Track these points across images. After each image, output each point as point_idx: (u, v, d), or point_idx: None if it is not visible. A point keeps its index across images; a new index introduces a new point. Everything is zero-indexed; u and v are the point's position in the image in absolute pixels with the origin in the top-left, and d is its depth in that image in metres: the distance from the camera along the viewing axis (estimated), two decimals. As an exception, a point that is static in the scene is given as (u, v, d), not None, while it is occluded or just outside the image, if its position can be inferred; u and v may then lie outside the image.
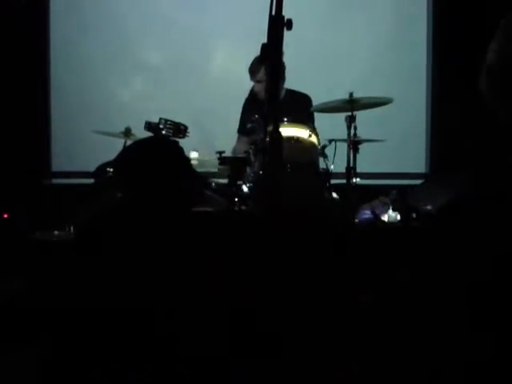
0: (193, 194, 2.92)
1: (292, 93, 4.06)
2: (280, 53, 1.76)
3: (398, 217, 3.83)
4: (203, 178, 3.51)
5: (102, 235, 2.52)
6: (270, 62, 1.72)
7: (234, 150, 4.06)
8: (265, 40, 1.80)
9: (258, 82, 4.04)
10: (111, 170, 3.59)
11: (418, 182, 4.67)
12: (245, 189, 3.51)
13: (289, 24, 1.71)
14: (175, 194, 2.73)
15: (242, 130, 4.16)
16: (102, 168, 3.77)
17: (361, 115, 3.56)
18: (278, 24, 1.70)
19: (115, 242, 2.47)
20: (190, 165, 3.06)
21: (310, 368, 2.24)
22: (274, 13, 1.73)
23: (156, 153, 3.02)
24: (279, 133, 1.80)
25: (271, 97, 1.73)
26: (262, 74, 3.97)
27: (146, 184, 2.81)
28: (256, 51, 3.80)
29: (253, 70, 4.03)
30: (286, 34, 1.81)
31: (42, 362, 2.17)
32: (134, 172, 2.95)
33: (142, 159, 3.00)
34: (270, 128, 1.84)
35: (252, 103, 4.15)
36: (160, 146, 3.06)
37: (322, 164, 3.64)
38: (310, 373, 2.21)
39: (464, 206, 3.12)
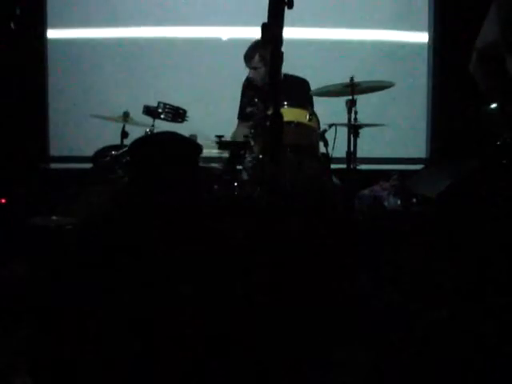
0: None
1: (290, 77, 4.00)
2: (281, 32, 1.72)
3: (399, 202, 3.82)
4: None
5: (108, 221, 2.53)
6: (270, 41, 1.69)
7: (234, 136, 4.03)
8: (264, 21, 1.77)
9: (253, 68, 3.99)
10: (112, 153, 3.57)
11: (419, 167, 4.65)
12: (244, 173, 3.49)
13: (290, 3, 1.68)
14: (183, 189, 2.76)
15: (242, 116, 4.13)
16: (100, 152, 3.74)
17: (361, 99, 3.53)
18: (279, 2, 1.66)
19: (120, 230, 2.47)
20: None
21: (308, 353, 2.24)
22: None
23: (173, 148, 3.08)
24: (280, 116, 1.77)
25: (272, 79, 1.70)
26: (257, 61, 3.92)
27: (156, 174, 2.84)
28: (254, 35, 3.78)
29: (248, 57, 3.97)
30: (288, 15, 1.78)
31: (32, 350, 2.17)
32: (149, 161, 2.99)
33: (159, 151, 3.05)
34: (270, 111, 1.82)
35: (249, 89, 4.11)
36: (178, 142, 3.12)
37: (322, 149, 3.62)
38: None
39: (464, 191, 3.11)
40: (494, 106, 2.64)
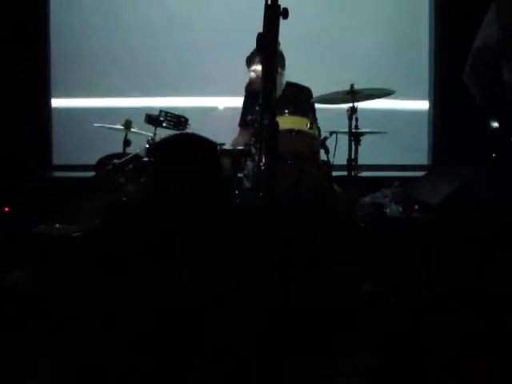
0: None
1: (293, 86, 4.03)
2: (275, 42, 1.74)
3: (400, 209, 3.82)
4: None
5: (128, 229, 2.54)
6: (265, 51, 1.70)
7: (235, 143, 4.04)
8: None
9: (253, 72, 4.02)
10: (115, 161, 3.59)
11: (420, 174, 4.64)
12: (245, 181, 3.50)
13: (285, 13, 1.69)
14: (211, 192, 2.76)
15: (243, 123, 4.14)
16: (103, 161, 3.76)
17: (362, 107, 3.54)
18: (274, 13, 1.68)
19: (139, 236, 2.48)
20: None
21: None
22: (269, 2, 1.71)
23: (197, 149, 3.08)
24: (276, 124, 1.78)
25: (267, 87, 1.71)
26: (258, 63, 3.95)
27: (183, 177, 2.84)
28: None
29: (249, 61, 4.02)
30: (289, 24, 1.79)
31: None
32: (173, 165, 2.98)
33: (183, 154, 3.05)
34: (266, 120, 1.83)
35: (251, 95, 4.13)
36: (201, 143, 3.14)
37: (322, 156, 3.63)
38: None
39: (465, 197, 3.11)
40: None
